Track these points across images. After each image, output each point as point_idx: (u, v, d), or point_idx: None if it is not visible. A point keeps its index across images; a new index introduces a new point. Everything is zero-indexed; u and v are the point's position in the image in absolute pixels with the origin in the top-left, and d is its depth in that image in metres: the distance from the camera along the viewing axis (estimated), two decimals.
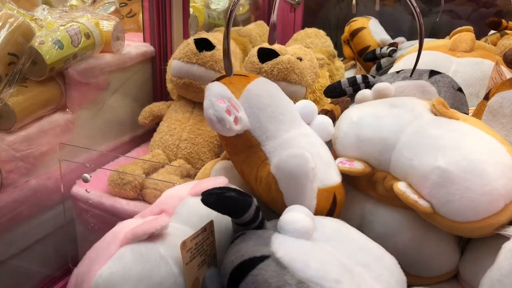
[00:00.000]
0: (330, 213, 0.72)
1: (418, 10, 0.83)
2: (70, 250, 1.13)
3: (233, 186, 0.68)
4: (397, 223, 0.76)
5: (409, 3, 0.83)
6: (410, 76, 0.93)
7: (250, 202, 0.57)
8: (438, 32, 1.81)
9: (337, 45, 1.95)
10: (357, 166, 0.77)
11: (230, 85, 0.74)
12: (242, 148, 0.73)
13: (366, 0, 2.12)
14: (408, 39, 1.62)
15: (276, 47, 1.12)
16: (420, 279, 0.75)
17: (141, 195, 1.07)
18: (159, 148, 1.19)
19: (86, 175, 1.03)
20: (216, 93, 0.68)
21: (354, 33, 1.63)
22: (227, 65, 0.76)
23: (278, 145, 0.72)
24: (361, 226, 0.79)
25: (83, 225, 1.10)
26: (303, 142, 0.75)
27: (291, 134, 0.74)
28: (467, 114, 0.91)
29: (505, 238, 0.63)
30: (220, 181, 0.68)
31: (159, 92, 1.41)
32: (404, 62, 1.16)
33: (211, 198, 0.55)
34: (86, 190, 1.07)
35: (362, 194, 0.81)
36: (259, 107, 0.73)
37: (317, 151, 0.76)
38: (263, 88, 0.76)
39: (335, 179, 0.74)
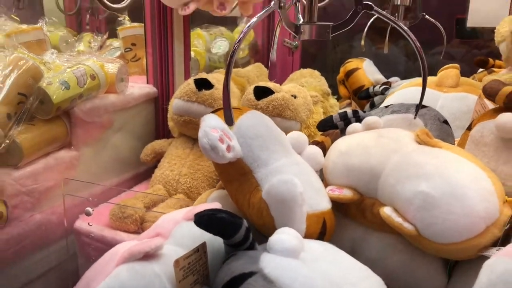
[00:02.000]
0: (320, 237, 0.75)
1: (418, 44, 0.88)
2: (72, 284, 1.14)
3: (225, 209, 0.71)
4: (385, 248, 0.79)
5: (411, 41, 0.88)
6: (415, 116, 0.96)
7: (240, 223, 0.61)
8: (433, 73, 1.88)
9: (334, 86, 2.02)
10: (347, 194, 0.81)
11: None
12: (235, 176, 0.77)
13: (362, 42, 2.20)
14: (403, 79, 1.68)
15: (271, 85, 1.18)
16: None
17: (142, 228, 1.09)
18: (160, 183, 1.23)
19: (88, 208, 1.07)
20: (210, 124, 0.73)
21: (349, 73, 1.70)
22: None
23: (269, 172, 0.76)
24: (352, 253, 0.81)
25: (85, 259, 1.13)
26: (294, 170, 0.79)
27: (282, 162, 0.78)
28: (453, 145, 0.95)
29: None
30: (213, 206, 0.72)
31: (161, 131, 1.46)
32: (395, 97, 1.22)
33: (202, 219, 0.59)
34: (88, 224, 1.10)
35: (352, 221, 0.84)
36: (251, 137, 0.78)
37: (308, 178, 0.80)
38: (255, 119, 0.81)
39: (325, 205, 0.78)
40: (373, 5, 0.84)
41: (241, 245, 0.63)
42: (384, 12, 0.85)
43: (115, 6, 0.94)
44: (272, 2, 0.82)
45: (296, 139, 0.86)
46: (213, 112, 0.82)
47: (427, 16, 1.67)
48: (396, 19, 1.57)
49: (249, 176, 0.76)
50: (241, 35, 0.78)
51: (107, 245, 1.09)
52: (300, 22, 0.87)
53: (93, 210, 1.07)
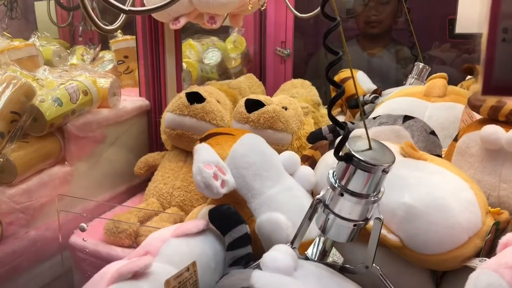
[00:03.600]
0: None
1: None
2: None
3: None
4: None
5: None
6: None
7: (242, 220, 0.63)
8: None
9: (327, 94, 2.03)
10: None
11: (217, 146, 0.81)
12: (231, 204, 0.79)
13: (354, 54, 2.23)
14: (388, 85, 1.69)
15: (262, 98, 1.19)
16: None
17: (136, 242, 1.11)
18: (154, 197, 1.25)
19: (83, 224, 1.08)
20: (204, 159, 0.75)
21: (343, 81, 1.71)
22: None
23: (263, 202, 0.78)
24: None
25: (80, 274, 1.14)
26: (287, 197, 0.81)
27: (275, 190, 0.81)
28: (441, 155, 0.96)
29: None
30: (200, 223, 0.74)
31: (154, 143, 1.48)
32: (383, 108, 1.23)
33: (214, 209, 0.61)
34: (83, 239, 1.11)
35: None
36: (245, 167, 0.80)
37: (300, 202, 0.82)
38: (249, 146, 0.84)
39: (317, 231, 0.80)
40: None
41: (239, 247, 0.65)
42: None
43: (108, 28, 0.94)
44: None
45: (288, 160, 0.87)
46: (206, 137, 0.84)
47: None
48: None
49: (243, 206, 0.79)
50: None
51: (102, 260, 1.10)
52: None
53: (87, 226, 1.08)
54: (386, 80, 2.03)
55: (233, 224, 0.64)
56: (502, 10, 0.36)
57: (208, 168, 0.74)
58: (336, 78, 1.76)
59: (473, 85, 1.21)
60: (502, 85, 0.35)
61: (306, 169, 0.88)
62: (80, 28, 2.21)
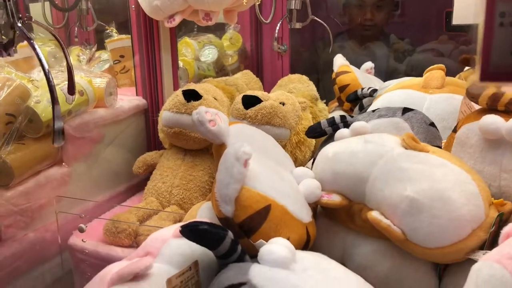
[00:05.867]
0: (306, 245, 0.76)
1: None
2: None
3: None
4: (376, 253, 0.79)
5: None
6: None
7: (223, 234, 0.62)
8: (422, 70, 1.89)
9: (325, 88, 2.02)
10: (335, 199, 0.82)
11: None
12: None
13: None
14: (385, 79, 1.68)
15: (259, 93, 1.18)
16: None
17: (136, 242, 1.10)
18: (153, 196, 1.24)
19: (81, 225, 1.07)
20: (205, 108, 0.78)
21: (338, 74, 1.70)
22: None
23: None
24: (343, 258, 0.82)
25: (80, 275, 1.13)
26: (286, 177, 0.80)
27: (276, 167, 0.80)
28: (440, 147, 0.95)
29: None
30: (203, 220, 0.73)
31: (152, 142, 1.47)
32: (381, 101, 1.22)
33: (186, 230, 0.60)
34: (82, 240, 1.11)
35: (342, 227, 0.85)
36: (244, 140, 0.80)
37: (298, 188, 0.82)
38: (244, 129, 0.83)
39: (308, 218, 0.80)
40: None
41: (229, 256, 0.64)
42: None
43: None
44: None
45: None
46: None
47: (316, 18, 1.83)
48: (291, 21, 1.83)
49: None
50: None
51: (102, 260, 1.09)
52: None
53: (86, 226, 1.08)
54: (382, 74, 2.01)
55: (215, 244, 0.63)
56: None
57: (208, 113, 0.78)
58: (334, 74, 1.76)
59: (471, 76, 1.20)
60: (500, 71, 0.34)
61: (312, 182, 0.86)
62: (76, 29, 2.20)
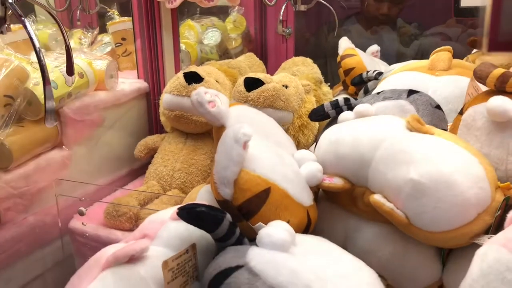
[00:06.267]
0: (307, 228, 0.74)
1: None
2: None
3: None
4: (378, 237, 0.78)
5: None
6: None
7: (221, 217, 0.60)
8: (429, 54, 1.86)
9: (333, 73, 1.99)
10: (337, 182, 0.80)
11: None
12: None
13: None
14: (392, 63, 1.65)
15: (262, 76, 1.16)
16: None
17: (136, 226, 1.08)
18: (154, 180, 1.22)
19: (81, 208, 1.06)
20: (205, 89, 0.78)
21: (344, 57, 1.67)
22: None
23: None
24: (345, 242, 0.81)
25: (81, 259, 1.13)
26: (287, 159, 0.78)
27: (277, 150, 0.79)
28: (446, 129, 0.93)
29: None
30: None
31: (154, 126, 1.45)
32: (386, 83, 1.20)
33: (184, 212, 0.59)
34: (82, 224, 1.10)
35: (344, 211, 0.84)
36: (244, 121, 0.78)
37: (299, 171, 0.80)
38: (245, 111, 0.81)
39: (309, 201, 0.78)
40: None
41: (227, 239, 0.63)
42: None
43: None
44: None
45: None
46: None
47: (321, 0, 1.81)
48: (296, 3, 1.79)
49: None
50: None
51: (103, 244, 1.07)
52: None
53: (86, 210, 1.07)
54: (389, 58, 1.98)
55: (213, 226, 0.61)
56: None
57: (207, 94, 0.77)
58: (339, 57, 1.73)
59: (479, 57, 1.17)
60: (510, 40, 0.31)
61: (314, 165, 0.84)
62: (78, 12, 2.17)
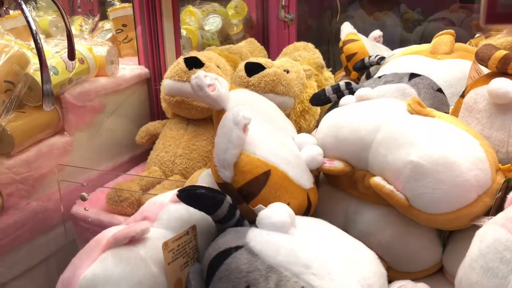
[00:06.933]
0: (307, 211, 0.75)
1: None
2: None
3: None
4: (379, 220, 0.78)
5: None
6: None
7: (221, 199, 0.60)
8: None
9: (335, 59, 1.98)
10: (338, 165, 0.80)
11: None
12: None
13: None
14: (395, 48, 1.64)
15: (263, 61, 1.15)
16: (407, 275, 0.76)
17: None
18: (156, 165, 1.23)
19: (84, 193, 1.07)
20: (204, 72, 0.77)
21: (346, 42, 1.66)
22: None
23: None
24: (346, 225, 0.81)
25: (84, 244, 1.12)
26: (288, 143, 0.78)
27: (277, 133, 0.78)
28: (448, 113, 0.93)
29: None
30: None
31: (155, 112, 1.45)
32: (388, 67, 1.19)
33: (184, 195, 0.59)
34: (84, 209, 1.10)
35: (345, 194, 0.84)
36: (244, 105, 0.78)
37: (299, 154, 0.80)
38: (245, 94, 0.81)
39: (309, 184, 0.78)
40: None
41: (227, 221, 0.63)
42: None
43: None
44: None
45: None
46: None
47: None
48: None
49: None
50: None
51: (105, 229, 1.09)
52: None
53: (88, 195, 1.07)
54: (392, 44, 1.97)
55: (213, 208, 0.61)
56: None
57: (207, 78, 0.77)
58: (341, 43, 1.72)
59: (482, 41, 1.16)
60: (507, 11, 0.31)
61: (314, 148, 0.84)
62: None
